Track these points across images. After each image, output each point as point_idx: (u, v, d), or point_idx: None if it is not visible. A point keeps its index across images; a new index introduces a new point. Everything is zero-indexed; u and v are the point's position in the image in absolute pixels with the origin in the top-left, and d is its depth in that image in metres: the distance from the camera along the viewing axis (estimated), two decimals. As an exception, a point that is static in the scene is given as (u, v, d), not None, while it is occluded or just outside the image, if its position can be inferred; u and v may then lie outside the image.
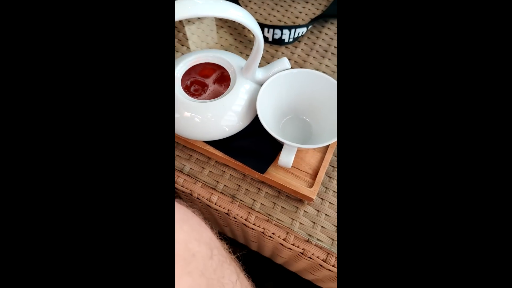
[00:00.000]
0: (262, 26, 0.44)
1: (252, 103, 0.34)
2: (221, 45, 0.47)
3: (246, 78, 0.34)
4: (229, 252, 0.25)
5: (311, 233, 0.33)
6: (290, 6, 0.51)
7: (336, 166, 0.37)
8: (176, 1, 0.24)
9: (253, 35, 0.28)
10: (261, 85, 0.33)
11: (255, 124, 0.33)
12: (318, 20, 0.48)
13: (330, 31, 0.48)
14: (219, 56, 0.35)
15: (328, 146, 0.35)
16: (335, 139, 0.29)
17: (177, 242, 0.18)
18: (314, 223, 0.33)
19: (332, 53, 0.46)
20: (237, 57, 0.36)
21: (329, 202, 0.35)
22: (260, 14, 0.50)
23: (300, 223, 0.33)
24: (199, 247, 0.19)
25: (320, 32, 0.48)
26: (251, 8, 0.51)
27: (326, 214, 0.34)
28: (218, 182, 0.36)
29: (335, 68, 0.44)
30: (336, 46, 0.47)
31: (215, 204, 0.35)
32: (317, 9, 0.51)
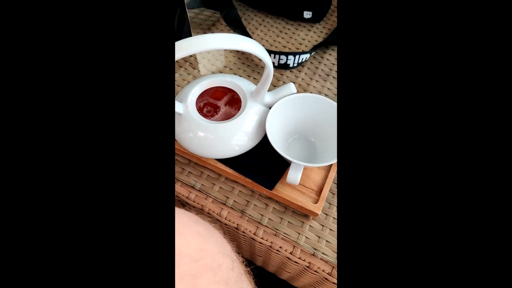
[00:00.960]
0: (269, 52, 0.48)
1: (261, 124, 0.36)
2: (230, 69, 0.50)
3: (255, 101, 0.36)
4: (245, 265, 0.27)
5: (317, 247, 0.35)
6: (294, 33, 0.55)
7: (339, 183, 0.39)
8: (195, 36, 0.27)
9: (260, 59, 0.31)
10: (269, 107, 0.36)
11: (263, 143, 0.36)
12: (320, 47, 0.51)
13: (331, 57, 0.52)
14: (231, 81, 0.38)
15: (331, 164, 0.37)
16: (339, 158, 0.32)
17: (206, 254, 0.20)
18: (319, 237, 0.35)
19: (333, 77, 0.49)
20: (248, 82, 0.39)
21: (333, 217, 0.36)
22: (266, 41, 0.54)
23: (306, 237, 0.35)
24: (224, 258, 0.21)
25: (322, 57, 0.51)
26: (258, 35, 0.55)
27: (330, 229, 0.36)
28: (228, 197, 0.38)
29: (336, 91, 0.47)
30: (337, 70, 0.50)
31: (225, 218, 0.37)
32: (319, 36, 0.55)
